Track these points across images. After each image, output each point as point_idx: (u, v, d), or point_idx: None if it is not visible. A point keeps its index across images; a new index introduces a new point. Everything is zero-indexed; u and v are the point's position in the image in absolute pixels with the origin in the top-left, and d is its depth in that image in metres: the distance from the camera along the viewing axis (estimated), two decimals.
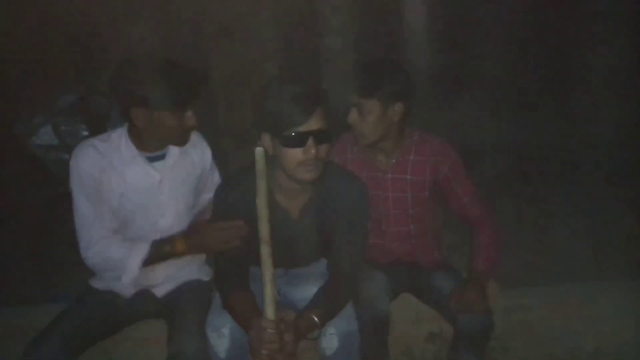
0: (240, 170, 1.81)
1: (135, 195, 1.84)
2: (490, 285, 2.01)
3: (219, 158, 2.06)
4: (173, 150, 1.88)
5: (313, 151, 1.59)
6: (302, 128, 1.58)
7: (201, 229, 1.81)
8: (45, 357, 1.68)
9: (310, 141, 1.59)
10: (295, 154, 1.60)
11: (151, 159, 1.87)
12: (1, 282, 2.61)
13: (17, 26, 3.04)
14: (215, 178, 2.03)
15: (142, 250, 1.80)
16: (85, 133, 3.02)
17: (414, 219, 2.06)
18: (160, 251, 1.82)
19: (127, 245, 1.81)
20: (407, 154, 2.01)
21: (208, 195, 1.99)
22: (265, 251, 1.56)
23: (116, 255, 1.80)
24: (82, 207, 1.80)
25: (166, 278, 1.96)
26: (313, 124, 1.59)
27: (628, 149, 3.65)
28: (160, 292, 1.97)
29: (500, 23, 4.13)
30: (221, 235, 1.75)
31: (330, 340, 1.75)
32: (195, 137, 1.97)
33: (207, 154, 2.00)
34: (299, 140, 1.59)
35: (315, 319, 1.68)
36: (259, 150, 1.53)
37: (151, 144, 1.85)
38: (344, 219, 1.79)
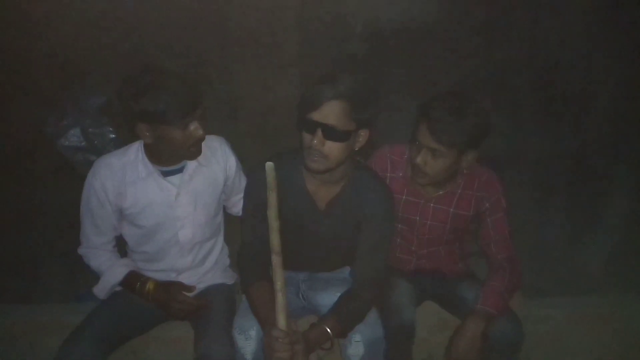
0: (257, 165, 1.80)
1: (153, 210, 1.87)
2: (515, 295, 2.01)
3: (240, 163, 2.05)
4: (191, 164, 1.88)
5: (315, 141, 1.63)
6: (314, 116, 1.62)
7: (172, 289, 1.89)
8: (79, 355, 1.72)
9: (319, 132, 1.62)
10: (305, 138, 1.67)
11: (168, 173, 1.87)
12: (29, 280, 2.66)
13: (46, 29, 3.10)
14: (243, 181, 2.03)
15: (117, 275, 1.91)
16: (113, 135, 3.07)
17: (447, 243, 2.07)
18: (131, 283, 1.90)
19: (108, 263, 1.92)
20: (455, 188, 1.96)
21: (239, 197, 2.00)
22: (276, 261, 1.58)
23: (93, 266, 1.94)
24: (84, 220, 1.93)
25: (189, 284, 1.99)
26: (324, 116, 1.62)
27: None
28: None
29: (522, 30, 4.11)
30: (177, 308, 1.88)
31: (356, 347, 1.76)
32: (217, 145, 1.96)
33: (231, 160, 1.99)
34: (309, 127, 1.64)
35: (329, 330, 1.69)
36: (269, 165, 1.55)
37: (166, 159, 1.85)
38: (368, 223, 1.80)
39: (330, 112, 1.62)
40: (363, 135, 1.71)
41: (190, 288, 1.95)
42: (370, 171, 1.88)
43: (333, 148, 1.65)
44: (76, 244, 1.97)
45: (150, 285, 1.88)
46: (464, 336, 1.85)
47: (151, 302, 1.89)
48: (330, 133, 1.63)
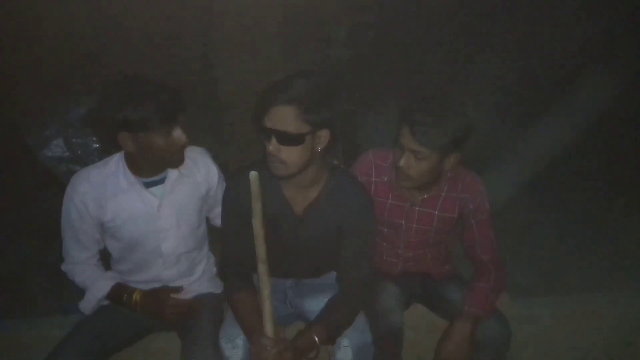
0: (239, 169, 1.81)
1: (135, 222, 1.85)
2: (501, 295, 2.02)
3: (224, 170, 2.04)
4: (172, 174, 1.86)
5: (271, 147, 1.62)
6: (266, 123, 1.62)
7: (161, 295, 1.88)
8: None
9: (272, 138, 1.61)
10: (265, 145, 1.66)
11: (149, 184, 1.85)
12: (16, 294, 2.63)
13: (30, 40, 3.08)
14: None
15: (102, 289, 1.89)
16: (96, 145, 3.05)
17: (432, 245, 2.07)
18: (118, 295, 1.89)
19: (93, 278, 1.90)
20: (439, 191, 1.96)
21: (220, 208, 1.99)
22: (262, 269, 1.57)
23: (78, 281, 1.92)
24: (66, 236, 1.91)
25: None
26: (275, 122, 1.60)
27: None
28: None
29: (507, 31, 4.16)
30: (170, 312, 1.86)
31: (344, 352, 1.76)
32: (198, 156, 1.95)
33: (213, 170, 1.97)
34: (264, 134, 1.64)
35: (315, 338, 1.69)
36: (253, 174, 1.55)
37: (148, 169, 1.83)
38: (349, 227, 1.79)
39: (279, 118, 1.59)
40: (324, 137, 1.68)
41: (177, 290, 1.93)
42: (348, 176, 1.87)
43: (289, 153, 1.63)
44: (61, 256, 1.95)
45: (137, 296, 1.87)
46: (452, 338, 1.87)
47: (141, 312, 1.87)
48: (283, 138, 1.61)
